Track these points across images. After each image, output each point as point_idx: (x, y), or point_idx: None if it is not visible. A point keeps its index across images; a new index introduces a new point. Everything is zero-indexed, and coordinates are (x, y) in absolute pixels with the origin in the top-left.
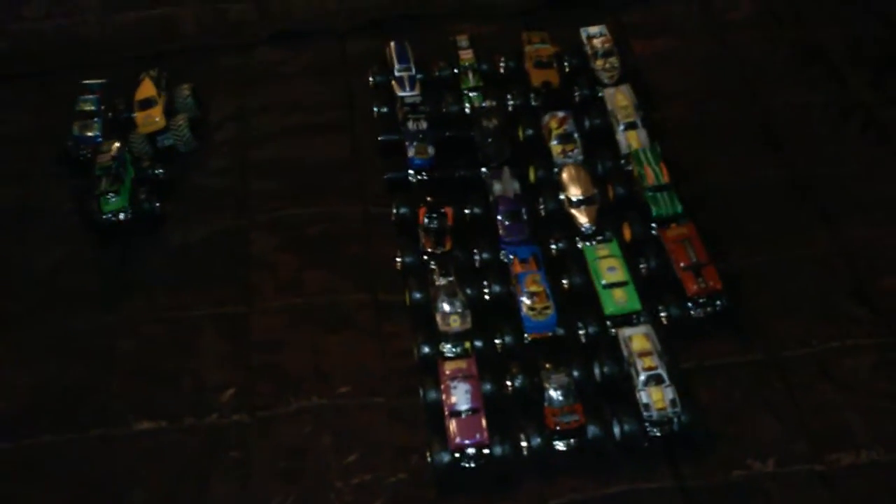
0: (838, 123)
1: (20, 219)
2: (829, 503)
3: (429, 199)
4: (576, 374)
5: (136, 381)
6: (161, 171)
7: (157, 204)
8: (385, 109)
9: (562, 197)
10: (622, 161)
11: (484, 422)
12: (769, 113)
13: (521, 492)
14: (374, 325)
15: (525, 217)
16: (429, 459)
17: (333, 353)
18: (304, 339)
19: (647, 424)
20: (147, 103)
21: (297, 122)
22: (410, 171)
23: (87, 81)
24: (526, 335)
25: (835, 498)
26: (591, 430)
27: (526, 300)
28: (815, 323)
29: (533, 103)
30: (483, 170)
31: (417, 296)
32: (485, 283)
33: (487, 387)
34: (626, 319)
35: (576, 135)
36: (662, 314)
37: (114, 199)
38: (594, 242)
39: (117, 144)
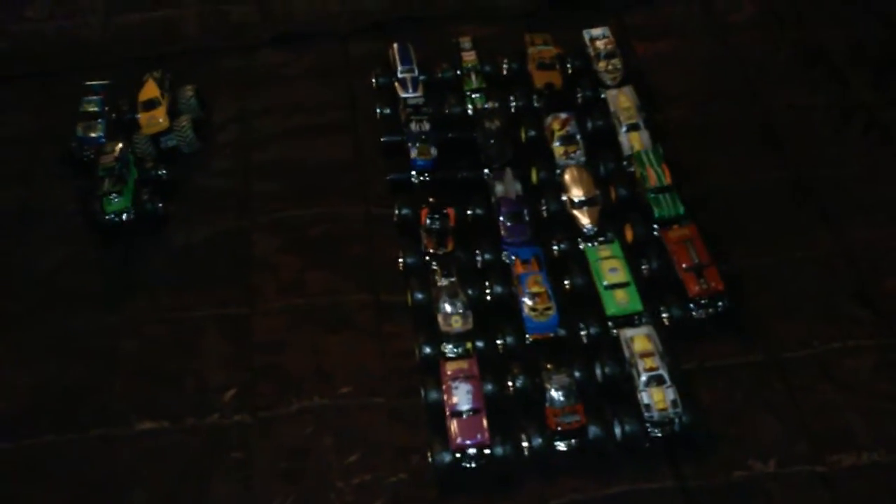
0: (840, 125)
1: (23, 219)
2: None
3: (431, 199)
4: (577, 374)
5: (138, 381)
6: (164, 171)
7: (160, 205)
8: (388, 111)
9: (564, 198)
10: (624, 162)
11: (485, 422)
12: (771, 114)
13: (522, 492)
14: (375, 325)
15: (527, 218)
16: (430, 460)
17: (335, 354)
18: (305, 339)
19: (648, 425)
20: (150, 104)
21: (299, 124)
22: (413, 172)
23: (91, 82)
24: (527, 336)
25: (836, 499)
26: (593, 430)
27: (527, 301)
28: (816, 324)
29: (535, 105)
30: (485, 171)
31: (419, 296)
32: (486, 283)
33: (489, 387)
34: (627, 320)
35: (578, 136)
36: (664, 315)
37: (117, 200)
38: (596, 243)
39: (120, 145)
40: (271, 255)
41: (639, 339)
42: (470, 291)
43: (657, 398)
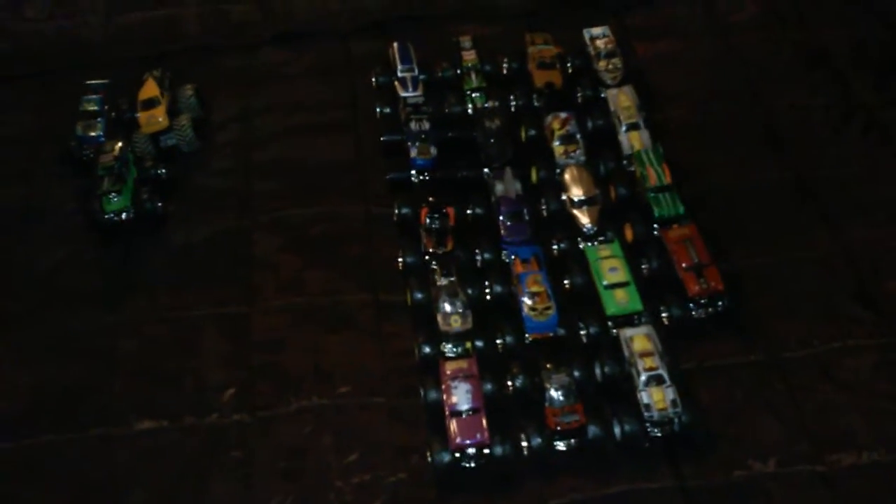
0: (840, 125)
1: (23, 219)
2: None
3: (431, 199)
4: (577, 374)
5: (138, 380)
6: (163, 170)
7: (160, 204)
8: (388, 110)
9: (564, 197)
10: (624, 162)
11: (484, 422)
12: (771, 114)
13: (521, 492)
14: (374, 325)
15: (527, 217)
16: (429, 459)
17: (334, 353)
18: (305, 338)
19: (647, 425)
20: (150, 103)
21: (299, 123)
22: (412, 172)
23: (91, 81)
24: (527, 335)
25: (836, 498)
26: (592, 430)
27: (527, 300)
28: (816, 323)
29: (535, 104)
30: (485, 170)
31: (419, 296)
32: (486, 283)
33: (488, 387)
34: (627, 320)
35: (578, 135)
36: (664, 314)
37: (116, 199)
38: (596, 243)
39: (120, 144)
40: (271, 255)
41: (638, 339)
42: (469, 291)
43: (657, 398)
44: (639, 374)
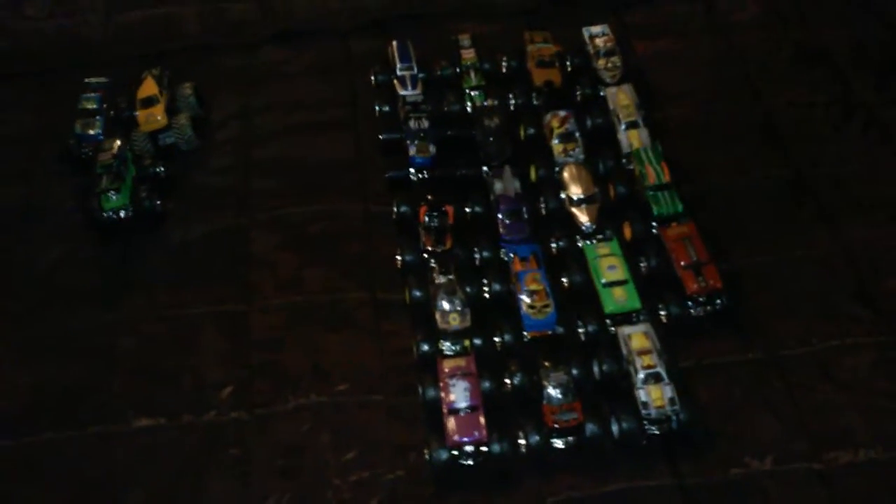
0: (840, 124)
1: (23, 217)
2: (828, 502)
3: (429, 197)
4: (575, 372)
5: (136, 378)
6: (162, 169)
7: (158, 202)
8: (387, 108)
9: (563, 196)
10: (623, 160)
11: (482, 420)
12: (771, 113)
13: (519, 490)
14: (373, 323)
15: (526, 216)
16: (427, 457)
17: (333, 351)
18: (303, 337)
19: (645, 423)
20: (149, 101)
21: (299, 121)
22: (411, 170)
23: (90, 80)
24: (525, 333)
25: (833, 496)
26: (590, 428)
27: (526, 298)
28: (815, 322)
29: (534, 102)
30: (484, 168)
31: (417, 294)
32: (485, 281)
33: (486, 385)
34: (625, 318)
35: (577, 134)
36: (662, 313)
37: (115, 197)
38: (594, 241)
39: (119, 142)
40: (270, 253)
41: (637, 337)
42: (468, 289)
43: (655, 396)
44: (637, 372)
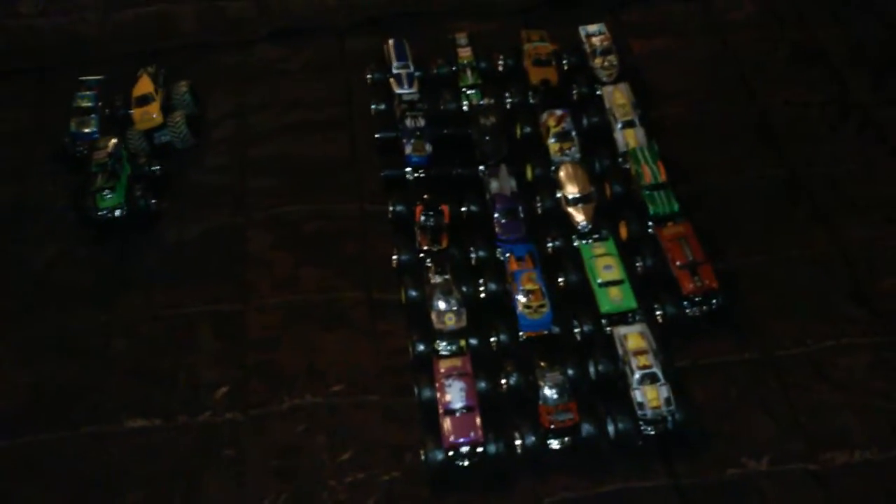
0: (836, 123)
1: (18, 215)
2: (824, 502)
3: (425, 196)
4: (571, 372)
5: (131, 378)
6: (157, 167)
7: (153, 201)
8: (383, 107)
9: (559, 195)
10: (620, 159)
11: (478, 420)
12: (767, 112)
13: (515, 490)
14: (369, 322)
15: (522, 215)
16: (423, 458)
17: (328, 351)
18: (299, 336)
19: (641, 423)
20: (144, 100)
21: (295, 120)
22: (407, 169)
23: (85, 78)
24: (521, 333)
25: (829, 497)
26: (586, 428)
27: (521, 298)
28: (810, 322)
29: (531, 101)
30: (480, 167)
31: (413, 294)
32: (480, 280)
33: (482, 385)
34: (621, 318)
35: (573, 133)
36: (658, 313)
37: (109, 196)
38: (590, 241)
39: (114, 141)
40: (265, 252)
41: (632, 337)
42: (464, 289)
43: (651, 396)
44: (633, 373)
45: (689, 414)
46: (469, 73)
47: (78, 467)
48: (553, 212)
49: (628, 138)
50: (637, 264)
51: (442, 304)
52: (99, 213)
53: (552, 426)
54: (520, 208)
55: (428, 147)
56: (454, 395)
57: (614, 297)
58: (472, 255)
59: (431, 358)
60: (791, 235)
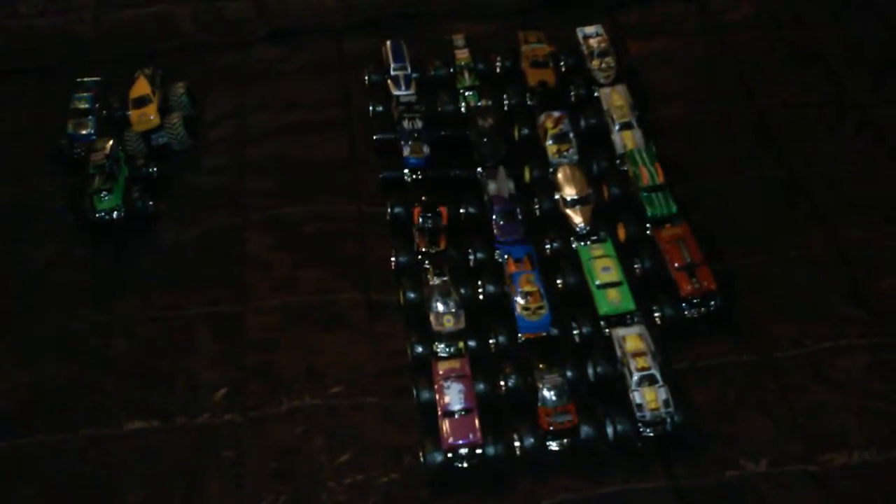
0: (834, 124)
1: (17, 216)
2: (822, 503)
3: (424, 198)
4: (569, 374)
5: (129, 380)
6: (155, 169)
7: (151, 202)
8: (380, 108)
9: (557, 197)
10: (617, 161)
11: (477, 422)
12: (765, 113)
13: (514, 492)
14: (367, 324)
15: (520, 217)
16: (421, 459)
17: (327, 353)
18: (297, 338)
19: (640, 425)
20: (142, 101)
21: (293, 121)
22: (405, 171)
23: (82, 79)
24: (520, 335)
25: (828, 498)
26: (585, 430)
27: (520, 300)
28: (809, 323)
29: (529, 103)
30: (478, 169)
31: (411, 295)
32: (479, 282)
33: (481, 387)
34: (620, 319)
35: (571, 135)
36: (656, 314)
37: (107, 198)
38: (589, 242)
39: (111, 142)
40: (264, 253)
41: (631, 339)
42: (462, 290)
43: (649, 398)
44: (631, 374)
45: (688, 415)
46: (467, 74)
47: (77, 468)
48: (551, 213)
49: (626, 140)
50: (635, 266)
51: (440, 306)
52: (97, 215)
53: (551, 428)
54: (518, 210)
55: (426, 149)
56: (453, 396)
57: (613, 299)
58: (471, 257)
59: (430, 359)
60: (789, 236)
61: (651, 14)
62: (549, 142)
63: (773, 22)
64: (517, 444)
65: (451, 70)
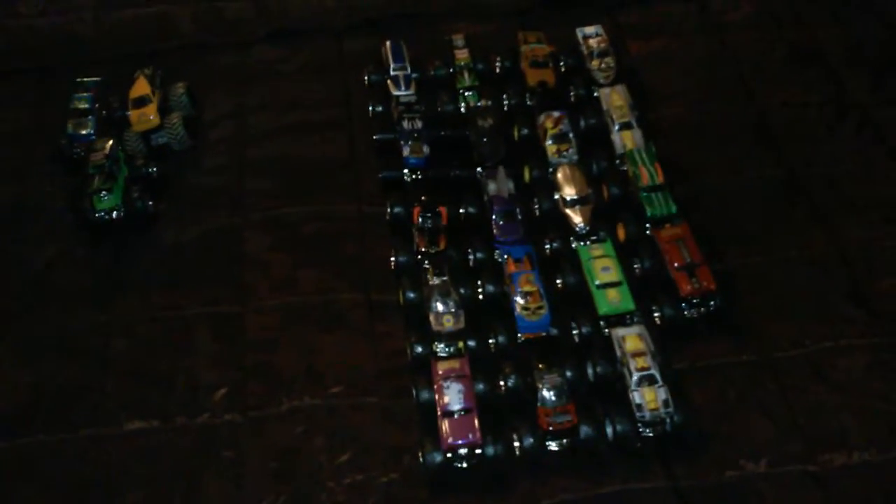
0: (834, 124)
1: (17, 216)
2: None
3: (423, 198)
4: (569, 374)
5: (129, 380)
6: (154, 169)
7: (150, 202)
8: (380, 108)
9: (556, 197)
10: (617, 161)
11: (476, 422)
12: (765, 113)
13: (513, 492)
14: (367, 324)
15: (519, 217)
16: (421, 460)
17: (327, 353)
18: (297, 338)
19: (639, 425)
20: (141, 101)
21: (293, 121)
22: (405, 171)
23: (82, 79)
24: (519, 335)
25: (827, 498)
26: (584, 430)
27: (520, 300)
28: (808, 323)
29: (528, 103)
30: (478, 169)
31: (411, 295)
32: (479, 282)
33: (480, 387)
34: (619, 319)
35: (571, 135)
36: (656, 314)
37: (107, 198)
38: (588, 242)
39: (111, 142)
40: (263, 253)
41: (631, 339)
42: (462, 290)
43: (649, 398)
44: (631, 374)
45: (688, 416)
46: (466, 74)
47: (77, 468)
48: (551, 213)
49: (626, 140)
50: (635, 266)
51: (440, 306)
52: (96, 215)
53: (550, 428)
54: (518, 210)
55: (426, 149)
56: (452, 396)
57: (612, 299)
58: (471, 257)
59: (430, 359)
60: (789, 236)
61: (651, 14)
62: (549, 142)
63: (773, 22)
64: (517, 444)
65: (451, 70)
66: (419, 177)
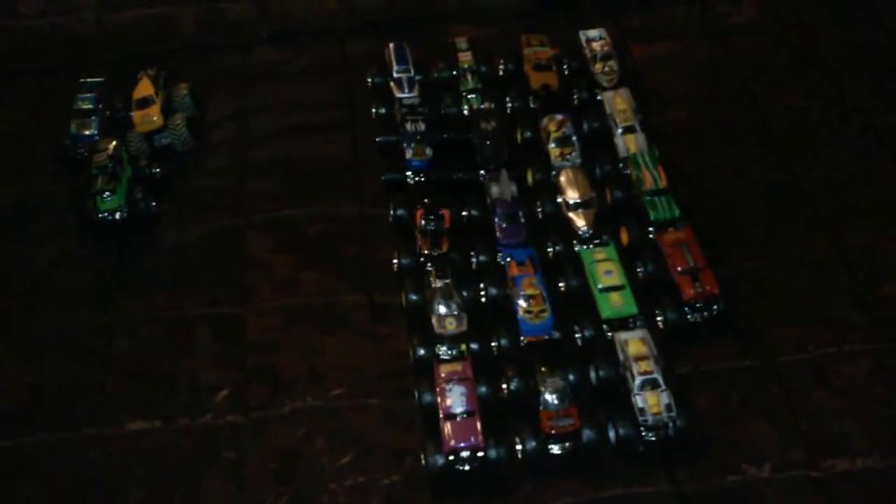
0: (837, 128)
1: (19, 216)
2: None
3: (426, 200)
4: (571, 377)
5: (131, 380)
6: (158, 170)
7: (153, 203)
8: (383, 110)
9: (559, 200)
10: (620, 165)
11: (479, 425)
12: (767, 116)
13: (515, 495)
14: (369, 326)
15: (522, 220)
16: (423, 462)
17: (329, 355)
18: (299, 339)
19: (642, 429)
20: (145, 102)
21: (295, 122)
22: (408, 173)
23: (85, 80)
24: (522, 338)
25: None
26: (587, 433)
27: (522, 303)
28: (811, 328)
29: (531, 106)
30: (481, 172)
31: (413, 298)
32: (481, 285)
33: (483, 389)
34: (622, 323)
35: (574, 138)
36: (659, 318)
37: (110, 198)
38: (591, 246)
39: (114, 143)
40: (265, 255)
41: (633, 343)
42: (464, 293)
43: (651, 402)
44: (633, 378)
45: (690, 420)
46: (469, 77)
47: (78, 468)
48: (554, 217)
49: (629, 143)
50: (638, 270)
51: (442, 309)
52: (99, 216)
53: (553, 431)
54: (520, 213)
55: (428, 151)
56: (455, 399)
57: (615, 303)
58: (473, 260)
59: (432, 362)
60: (792, 240)
61: (654, 18)
62: (552, 145)
63: (775, 26)
64: (519, 447)
65: (454, 73)
66: (422, 179)
